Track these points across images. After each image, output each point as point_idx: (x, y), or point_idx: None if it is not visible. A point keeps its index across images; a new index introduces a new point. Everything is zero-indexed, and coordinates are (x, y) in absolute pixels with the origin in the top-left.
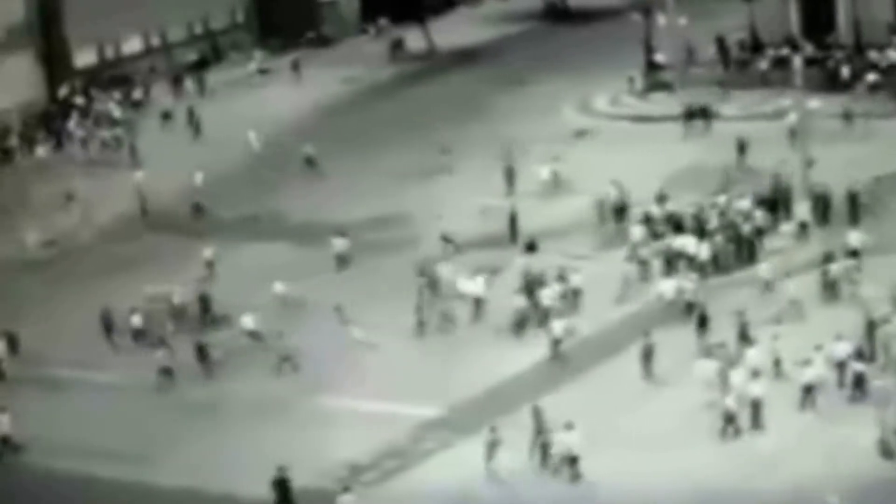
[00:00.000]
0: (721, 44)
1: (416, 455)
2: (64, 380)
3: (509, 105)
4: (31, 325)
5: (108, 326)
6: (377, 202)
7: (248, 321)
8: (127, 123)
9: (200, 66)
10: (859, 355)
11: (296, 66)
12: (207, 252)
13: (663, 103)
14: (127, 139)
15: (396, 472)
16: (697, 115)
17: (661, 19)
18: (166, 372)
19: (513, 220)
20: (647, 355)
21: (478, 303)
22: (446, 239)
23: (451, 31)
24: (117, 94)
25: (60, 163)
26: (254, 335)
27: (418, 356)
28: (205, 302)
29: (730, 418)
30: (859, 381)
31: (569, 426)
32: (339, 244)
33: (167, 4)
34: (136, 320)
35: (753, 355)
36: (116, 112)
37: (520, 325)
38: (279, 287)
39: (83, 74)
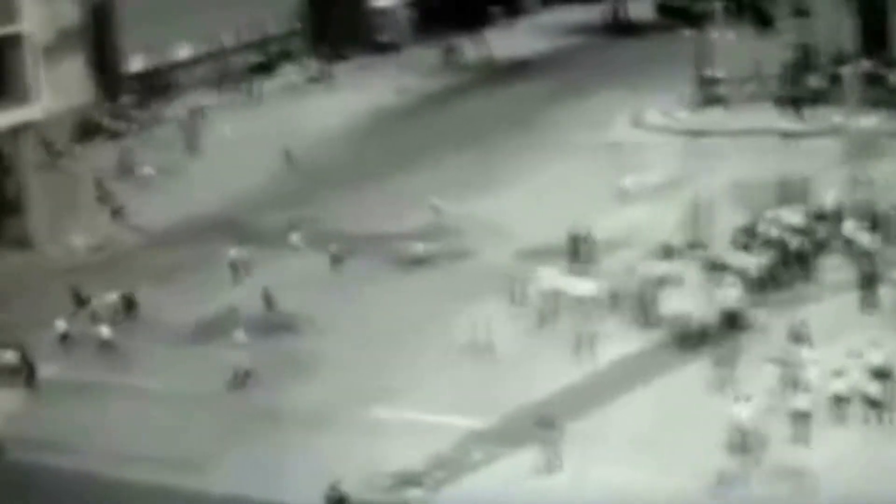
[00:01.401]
0: (804, 54)
1: (465, 466)
2: (113, 385)
3: (564, 118)
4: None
5: None
6: (428, 213)
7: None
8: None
9: (255, 71)
10: None
11: (325, 75)
12: (233, 252)
13: (718, 118)
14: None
15: (445, 483)
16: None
17: (714, 34)
18: (244, 375)
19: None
20: (722, 361)
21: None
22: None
23: (509, 42)
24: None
25: (112, 166)
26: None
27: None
28: (269, 301)
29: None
30: None
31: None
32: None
33: (220, 11)
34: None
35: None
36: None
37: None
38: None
39: (134, 80)
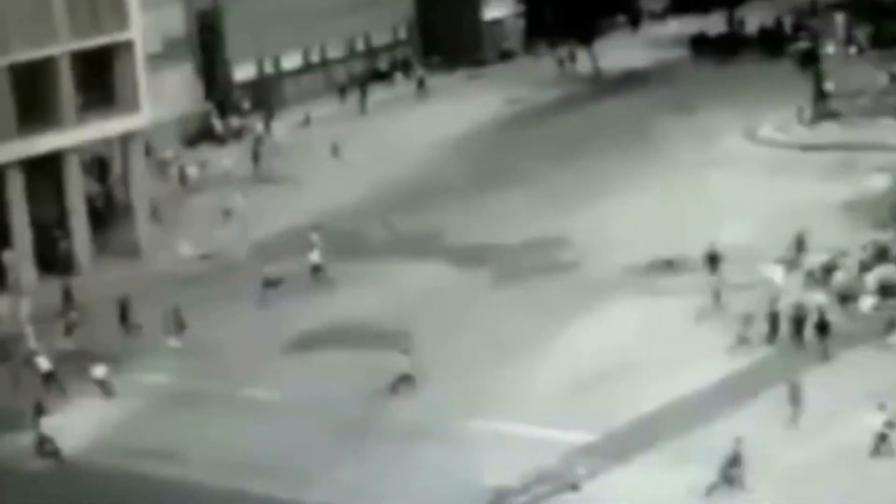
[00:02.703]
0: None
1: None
2: (216, 394)
3: (676, 131)
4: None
5: None
6: (536, 224)
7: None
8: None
9: (364, 82)
10: None
11: (421, 83)
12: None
13: (831, 132)
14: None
15: (547, 499)
16: None
17: (830, 48)
18: (405, 379)
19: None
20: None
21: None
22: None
23: (622, 53)
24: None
25: (219, 176)
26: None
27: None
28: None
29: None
30: None
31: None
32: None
33: (328, 20)
34: None
35: None
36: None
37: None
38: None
39: (242, 88)
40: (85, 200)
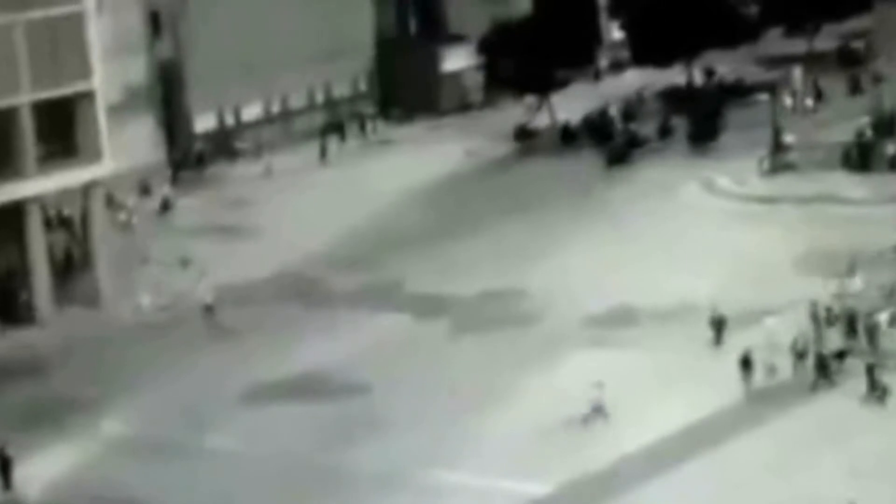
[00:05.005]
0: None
1: None
2: (175, 444)
3: (635, 183)
4: (142, 392)
5: None
6: (495, 275)
7: None
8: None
9: (324, 133)
10: None
11: (323, 153)
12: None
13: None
14: None
15: None
16: None
17: (787, 100)
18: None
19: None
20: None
21: None
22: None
23: (579, 105)
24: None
25: (178, 224)
26: None
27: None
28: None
29: None
30: None
31: None
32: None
33: (288, 71)
34: None
35: None
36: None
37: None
38: None
39: (203, 139)
40: (46, 250)
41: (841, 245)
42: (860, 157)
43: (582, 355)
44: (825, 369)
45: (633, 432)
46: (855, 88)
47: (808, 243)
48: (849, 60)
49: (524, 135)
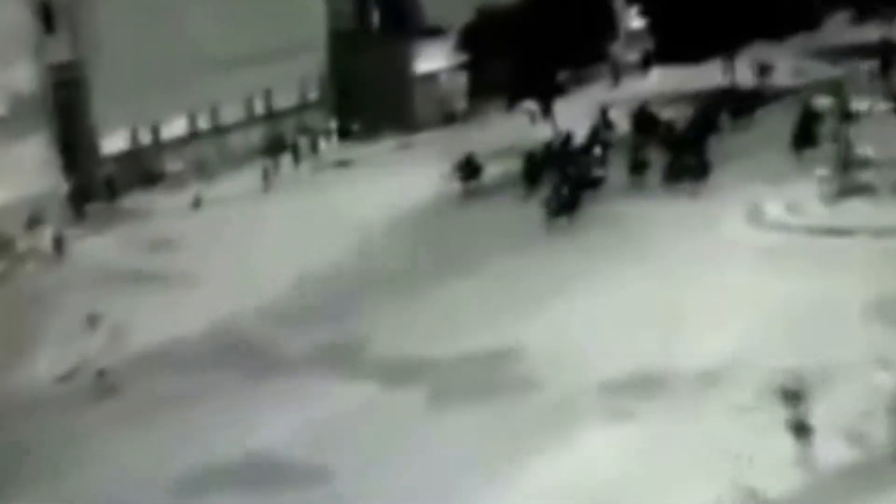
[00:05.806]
0: None
1: None
2: None
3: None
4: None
5: None
6: (482, 330)
7: None
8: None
9: (266, 152)
10: None
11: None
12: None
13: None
14: None
15: None
16: None
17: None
18: None
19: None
20: None
21: None
22: None
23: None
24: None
25: (84, 270)
26: None
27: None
28: None
29: None
30: None
31: None
32: None
33: (221, 76)
34: None
35: None
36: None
37: None
38: None
39: (112, 162)
40: None
41: None
42: None
43: (595, 432)
44: None
45: None
46: None
47: (886, 288)
48: None
49: None
